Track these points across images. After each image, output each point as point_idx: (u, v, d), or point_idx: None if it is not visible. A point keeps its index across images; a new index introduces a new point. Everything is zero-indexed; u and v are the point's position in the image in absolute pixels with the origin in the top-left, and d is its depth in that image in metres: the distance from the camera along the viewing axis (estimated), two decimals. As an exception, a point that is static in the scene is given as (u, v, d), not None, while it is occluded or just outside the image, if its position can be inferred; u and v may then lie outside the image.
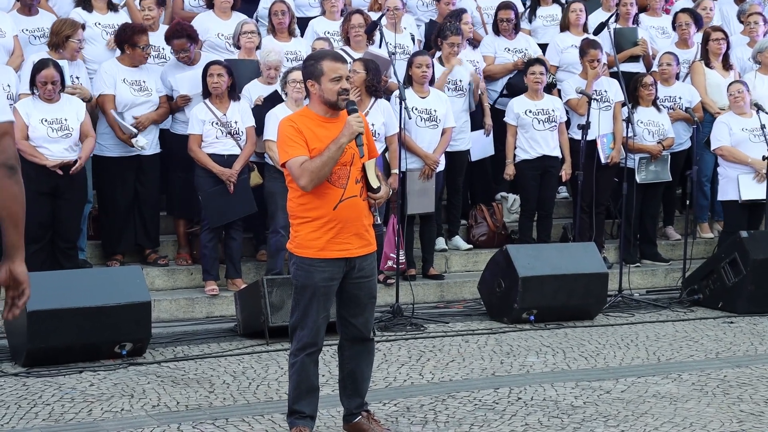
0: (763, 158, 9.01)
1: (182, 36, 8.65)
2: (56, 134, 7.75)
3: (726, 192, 9.40)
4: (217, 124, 8.23)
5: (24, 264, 3.45)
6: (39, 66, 7.75)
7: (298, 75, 8.03)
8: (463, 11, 9.93)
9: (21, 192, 3.39)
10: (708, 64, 10.23)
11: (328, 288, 5.13)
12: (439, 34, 9.35)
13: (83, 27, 8.40)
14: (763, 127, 9.04)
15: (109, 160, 8.45)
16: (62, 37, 8.19)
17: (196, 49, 8.81)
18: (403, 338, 7.54)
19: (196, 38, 8.78)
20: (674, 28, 10.70)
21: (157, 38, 8.88)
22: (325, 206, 5.06)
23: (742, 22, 11.14)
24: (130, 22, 8.87)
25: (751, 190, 9.22)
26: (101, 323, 6.65)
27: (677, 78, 10.22)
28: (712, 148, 9.47)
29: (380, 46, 8.66)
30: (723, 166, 9.42)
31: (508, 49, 10.07)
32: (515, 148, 9.38)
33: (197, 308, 8.19)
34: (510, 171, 9.42)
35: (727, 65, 10.29)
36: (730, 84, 9.67)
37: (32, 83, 7.79)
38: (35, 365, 6.54)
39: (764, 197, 9.15)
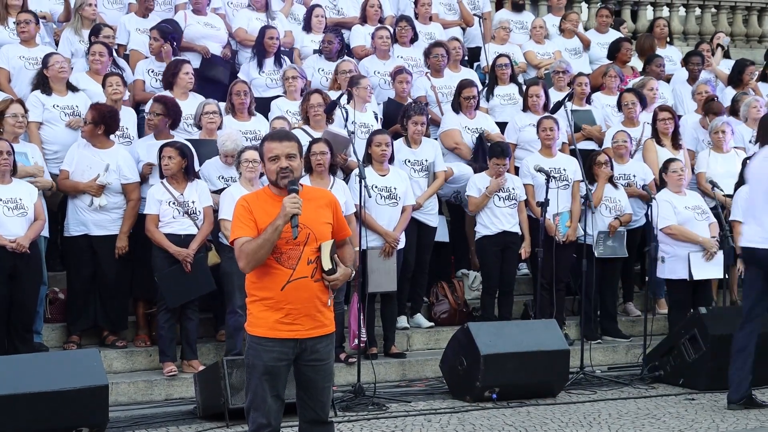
0: (720, 232, 9.05)
1: (161, 102, 8.77)
2: (12, 213, 7.70)
3: (674, 271, 9.32)
4: (173, 203, 8.22)
5: None
6: None
7: (251, 154, 8.11)
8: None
9: None
10: (659, 142, 10.37)
11: (276, 368, 5.05)
12: (404, 115, 9.45)
13: (21, 102, 8.35)
14: (715, 207, 9.11)
15: (74, 239, 8.41)
16: None
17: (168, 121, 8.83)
18: (365, 418, 7.47)
19: (177, 112, 8.84)
20: (620, 108, 10.84)
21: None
22: (273, 287, 5.03)
23: (696, 101, 11.34)
24: (92, 102, 8.84)
25: (702, 270, 9.25)
26: (57, 408, 6.51)
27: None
28: (660, 227, 9.33)
29: (345, 125, 8.74)
30: (671, 245, 9.32)
31: (467, 128, 10.15)
32: (476, 224, 9.44)
33: (156, 390, 8.07)
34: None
35: (676, 144, 10.41)
36: (671, 161, 9.69)
37: None
38: (-12, 452, 6.40)
39: (714, 276, 9.19)
